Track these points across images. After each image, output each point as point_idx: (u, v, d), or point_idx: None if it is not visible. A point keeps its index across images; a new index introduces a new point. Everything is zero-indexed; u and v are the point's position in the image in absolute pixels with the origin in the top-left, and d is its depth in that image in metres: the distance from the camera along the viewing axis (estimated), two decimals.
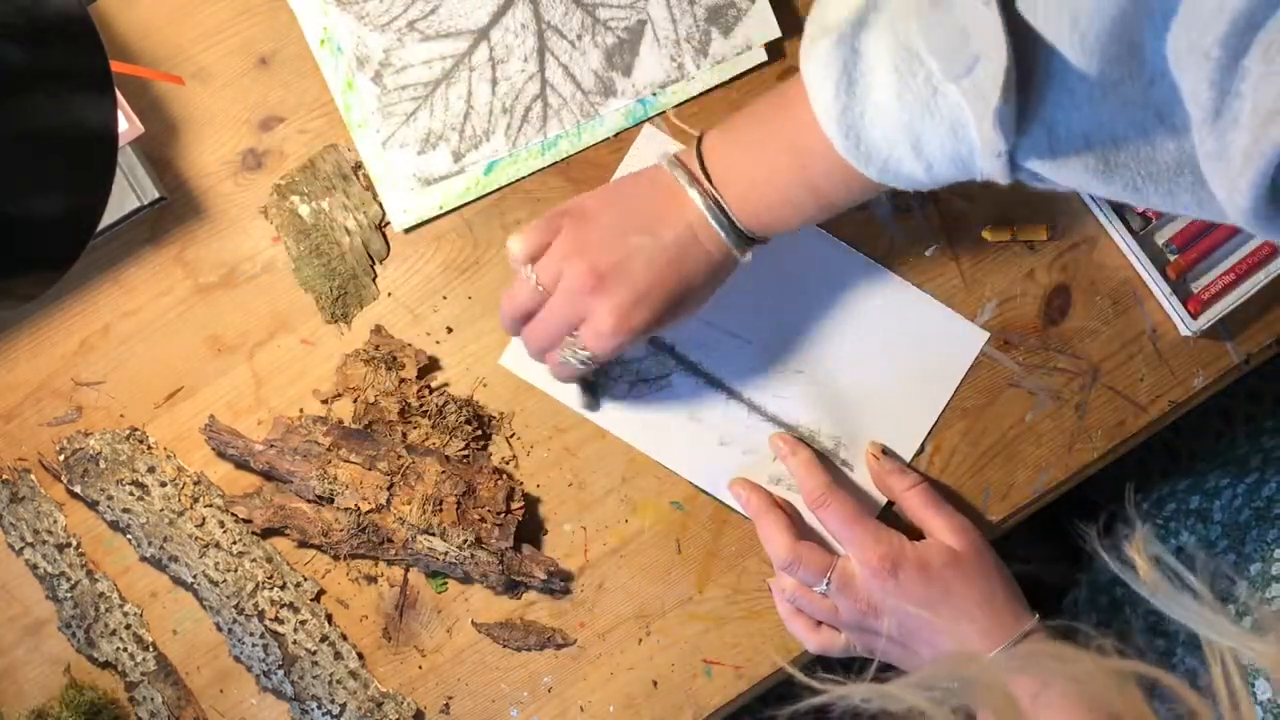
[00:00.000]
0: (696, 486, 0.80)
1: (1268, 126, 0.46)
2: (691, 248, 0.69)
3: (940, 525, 0.75)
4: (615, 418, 0.80)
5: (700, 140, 0.70)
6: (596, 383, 0.79)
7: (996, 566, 0.75)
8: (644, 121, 0.81)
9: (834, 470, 0.79)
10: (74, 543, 0.79)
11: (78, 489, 0.78)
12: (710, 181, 0.69)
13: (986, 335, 0.80)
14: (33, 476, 0.79)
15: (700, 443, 0.80)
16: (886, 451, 0.79)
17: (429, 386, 0.80)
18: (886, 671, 0.56)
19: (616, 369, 0.80)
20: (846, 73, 0.61)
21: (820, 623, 0.77)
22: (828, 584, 0.74)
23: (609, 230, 0.70)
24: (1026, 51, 0.55)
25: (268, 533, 0.79)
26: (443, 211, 0.80)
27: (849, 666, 0.59)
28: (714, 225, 0.69)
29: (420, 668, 0.79)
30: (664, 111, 0.80)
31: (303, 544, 0.79)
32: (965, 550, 0.74)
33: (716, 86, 0.81)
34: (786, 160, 0.67)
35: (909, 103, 0.60)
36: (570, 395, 0.80)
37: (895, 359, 0.80)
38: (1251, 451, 0.91)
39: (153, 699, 0.78)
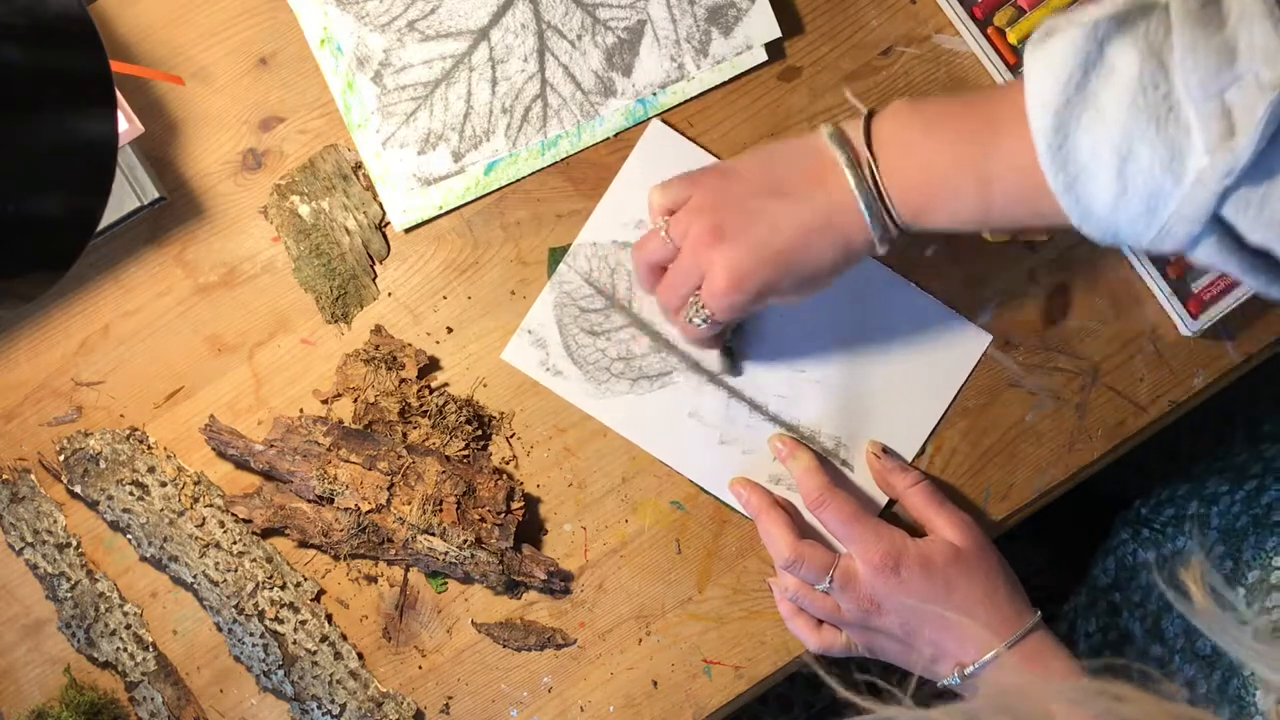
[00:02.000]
0: (697, 485, 0.80)
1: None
2: (828, 226, 0.67)
3: (943, 523, 0.75)
4: (617, 415, 0.80)
5: (871, 116, 0.67)
6: (732, 347, 0.79)
7: (999, 563, 0.75)
8: (645, 121, 0.81)
9: (834, 470, 0.79)
10: (74, 543, 0.79)
11: (78, 489, 0.78)
12: (875, 163, 0.66)
13: (989, 338, 0.80)
14: (33, 476, 0.79)
15: (701, 441, 0.80)
16: (887, 450, 0.79)
17: (429, 386, 0.80)
18: (924, 685, 0.56)
19: (619, 365, 0.79)
20: (1083, 68, 0.58)
21: (821, 622, 0.77)
22: (830, 582, 0.74)
23: (745, 190, 0.68)
24: None
25: (268, 533, 0.79)
26: (443, 211, 0.80)
27: (865, 667, 0.59)
28: (863, 210, 0.66)
29: (420, 668, 0.79)
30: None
31: (303, 544, 0.79)
32: (968, 547, 0.74)
33: (716, 86, 0.81)
34: (970, 149, 0.64)
35: (1138, 116, 0.57)
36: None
37: (898, 360, 0.80)
38: (1251, 460, 0.91)
39: (153, 699, 0.78)
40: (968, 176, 0.64)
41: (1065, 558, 1.11)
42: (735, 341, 0.79)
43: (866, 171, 0.66)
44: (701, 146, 0.80)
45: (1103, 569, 0.96)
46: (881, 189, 0.66)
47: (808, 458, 0.78)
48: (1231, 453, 0.97)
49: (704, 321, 0.71)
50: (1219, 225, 0.57)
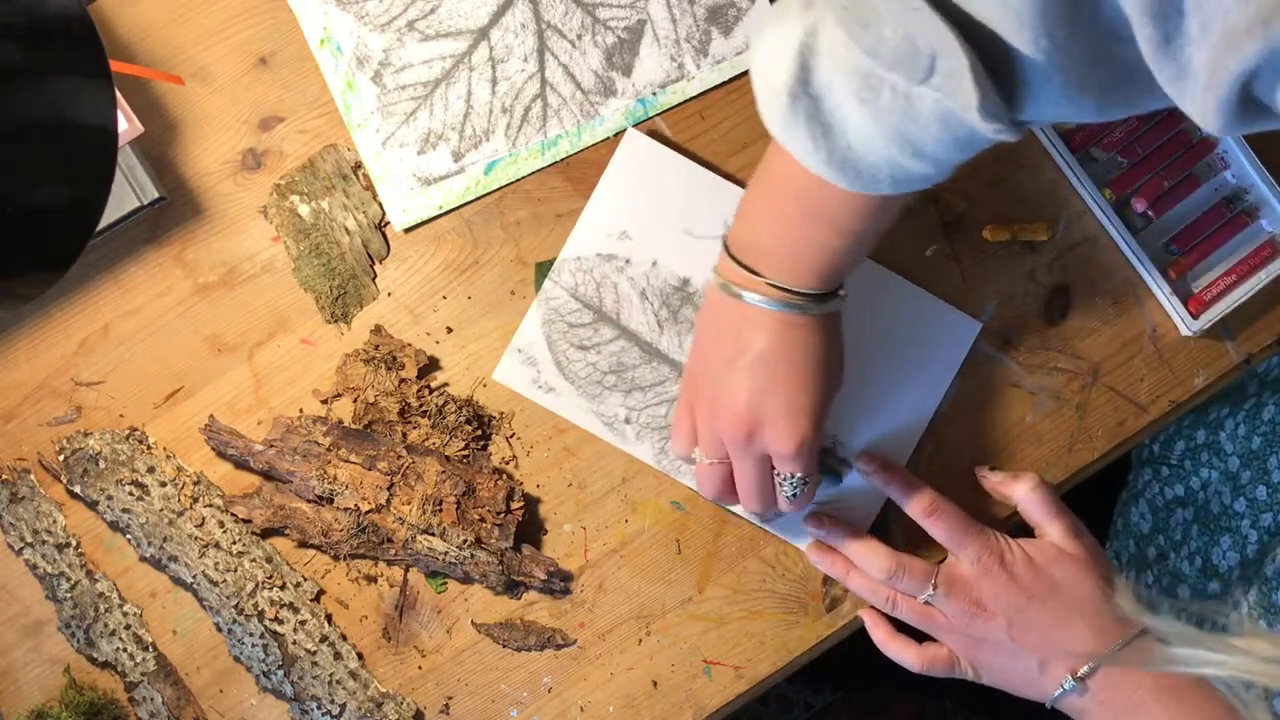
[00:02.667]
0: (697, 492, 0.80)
1: (1225, 52, 0.45)
2: (791, 338, 0.69)
3: (1057, 529, 0.75)
4: (611, 427, 0.80)
5: (725, 246, 0.70)
6: (827, 462, 0.79)
7: (1108, 568, 0.74)
8: (645, 120, 0.81)
9: (834, 472, 0.79)
10: (74, 543, 0.79)
11: (77, 489, 0.78)
12: (756, 273, 0.68)
13: (979, 325, 0.80)
14: (32, 476, 0.79)
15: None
16: (993, 468, 0.79)
17: (429, 386, 0.80)
18: None
19: (610, 378, 0.79)
20: (815, 121, 0.60)
21: (921, 640, 0.76)
22: (934, 589, 0.74)
23: (722, 376, 0.70)
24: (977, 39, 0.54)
25: (268, 533, 0.79)
26: (442, 211, 0.80)
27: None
28: (790, 310, 0.68)
29: (420, 668, 0.79)
30: (652, 116, 0.80)
31: (303, 544, 0.79)
32: (1076, 551, 0.74)
33: (716, 86, 0.81)
34: (809, 221, 0.66)
35: (888, 120, 0.59)
36: (612, 435, 0.80)
37: (890, 354, 0.80)
38: (1246, 376, 0.91)
39: (153, 699, 0.78)
40: (833, 237, 0.66)
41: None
42: (828, 459, 0.79)
43: (762, 284, 0.68)
44: (681, 151, 0.80)
45: (1140, 515, 0.97)
46: (784, 287, 0.68)
47: (903, 471, 0.78)
48: None
49: (801, 487, 0.72)
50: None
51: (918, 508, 0.76)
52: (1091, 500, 0.93)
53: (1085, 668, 0.71)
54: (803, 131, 0.61)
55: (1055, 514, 0.76)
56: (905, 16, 0.54)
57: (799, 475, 0.71)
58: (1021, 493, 0.77)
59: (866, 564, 0.76)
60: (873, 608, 0.78)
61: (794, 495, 0.72)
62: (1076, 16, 0.51)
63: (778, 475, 0.72)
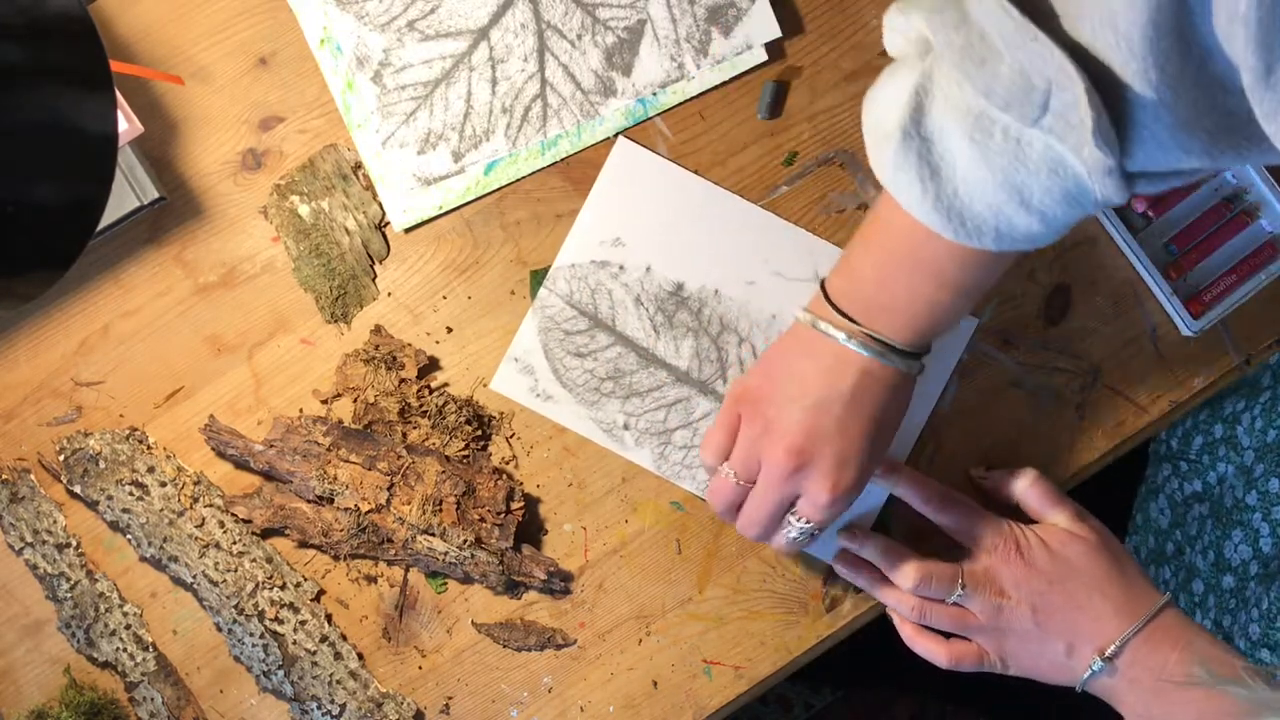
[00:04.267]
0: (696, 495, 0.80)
1: None
2: (870, 388, 0.69)
3: (1063, 516, 0.76)
4: (610, 434, 0.80)
5: (824, 287, 0.70)
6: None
7: (1120, 549, 0.75)
8: (645, 120, 0.81)
9: None
10: (74, 543, 0.79)
11: (77, 489, 0.78)
12: (852, 320, 0.68)
13: (975, 321, 0.80)
14: (33, 476, 0.79)
15: (695, 450, 0.80)
16: (989, 468, 0.79)
17: (429, 386, 0.80)
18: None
19: (608, 384, 0.79)
20: (925, 162, 0.61)
21: (949, 636, 0.76)
22: (962, 589, 0.74)
23: (786, 405, 0.69)
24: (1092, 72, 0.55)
25: (268, 533, 0.79)
26: (442, 211, 0.80)
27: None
28: (879, 360, 0.68)
29: (420, 668, 0.79)
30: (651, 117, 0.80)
31: (303, 544, 0.79)
32: (1086, 534, 0.75)
33: (716, 86, 0.81)
34: (911, 270, 0.66)
35: (998, 164, 0.59)
36: (597, 434, 0.80)
37: None
38: (1259, 370, 0.91)
39: (153, 699, 0.78)
40: (934, 289, 0.66)
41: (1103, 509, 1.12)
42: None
43: (857, 329, 0.68)
44: (671, 160, 0.80)
45: (1159, 510, 0.97)
46: (878, 337, 0.68)
47: (909, 469, 0.78)
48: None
49: (812, 534, 0.72)
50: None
51: (930, 503, 0.76)
52: (1111, 495, 0.93)
53: (1113, 646, 0.71)
54: (912, 174, 0.61)
55: (1057, 502, 0.76)
56: (1023, 48, 0.55)
57: (813, 524, 0.71)
58: (1021, 488, 0.77)
59: (896, 576, 0.76)
60: None
61: (795, 539, 0.72)
62: (1186, 53, 0.53)
63: (792, 515, 0.71)
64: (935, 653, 0.76)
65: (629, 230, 0.79)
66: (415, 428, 0.79)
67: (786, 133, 0.81)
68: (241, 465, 0.79)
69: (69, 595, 0.78)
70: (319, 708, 0.78)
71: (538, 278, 0.80)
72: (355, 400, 0.79)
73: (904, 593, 0.75)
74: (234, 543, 0.78)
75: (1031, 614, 0.73)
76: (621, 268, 0.80)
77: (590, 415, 0.79)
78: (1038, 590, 0.73)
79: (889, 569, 0.76)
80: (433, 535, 0.76)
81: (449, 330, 0.80)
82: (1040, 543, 0.74)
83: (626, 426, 0.80)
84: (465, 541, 0.76)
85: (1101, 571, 0.73)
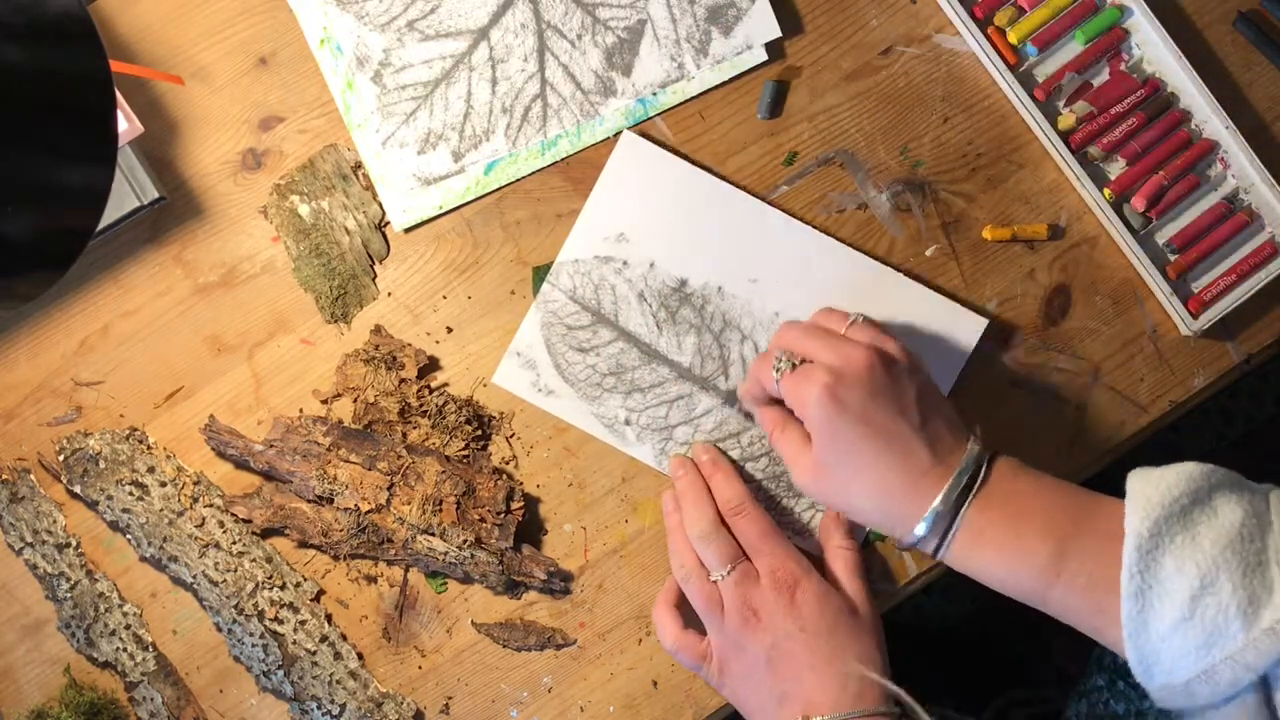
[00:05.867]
0: None
1: None
2: (897, 496, 0.69)
3: (854, 588, 0.75)
4: (612, 429, 0.80)
5: (992, 455, 0.70)
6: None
7: (882, 645, 0.74)
8: (645, 120, 0.81)
9: None
10: (74, 543, 0.79)
11: (77, 489, 0.78)
12: (979, 489, 0.68)
13: (985, 322, 0.80)
14: (32, 476, 0.79)
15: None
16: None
17: (429, 386, 0.80)
18: None
19: (610, 380, 0.79)
20: (1191, 497, 0.62)
21: (686, 625, 0.76)
22: (728, 572, 0.73)
23: (879, 397, 0.70)
24: None
25: (268, 533, 0.79)
26: (442, 211, 0.80)
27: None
28: (929, 513, 0.68)
29: (420, 668, 0.79)
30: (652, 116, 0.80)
31: (303, 544, 0.79)
32: (865, 615, 0.74)
33: (716, 86, 0.81)
34: (1064, 521, 0.66)
35: (1230, 557, 0.60)
36: (569, 412, 0.80)
37: None
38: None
39: (152, 699, 0.78)
40: (1048, 544, 0.66)
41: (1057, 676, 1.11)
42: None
43: (959, 492, 0.68)
44: (678, 153, 0.80)
45: (1075, 712, 0.95)
46: (959, 514, 0.68)
47: (729, 467, 0.78)
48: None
49: (788, 367, 0.71)
50: (1263, 690, 0.60)
51: (726, 505, 0.76)
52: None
53: (817, 719, 0.70)
54: (1174, 493, 0.62)
55: (856, 576, 0.76)
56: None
57: (788, 360, 0.71)
58: (834, 542, 0.77)
59: (687, 519, 0.76)
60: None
61: (784, 367, 0.72)
62: None
63: (783, 362, 0.72)
64: (665, 630, 0.76)
65: (633, 225, 0.80)
66: (415, 428, 0.79)
67: (786, 133, 0.81)
68: (241, 465, 0.79)
69: (69, 595, 0.78)
70: (319, 708, 0.78)
71: (540, 273, 0.80)
72: (355, 400, 0.79)
73: (686, 549, 0.75)
74: (234, 543, 0.78)
75: (770, 647, 0.72)
76: (625, 263, 0.80)
77: (592, 411, 0.80)
78: (787, 631, 0.72)
79: (686, 504, 0.76)
80: (433, 535, 0.76)
81: (449, 330, 0.81)
82: (819, 594, 0.73)
83: (628, 422, 0.80)
84: (465, 541, 0.76)
85: (855, 651, 0.72)
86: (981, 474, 0.69)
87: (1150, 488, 0.63)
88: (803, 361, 0.71)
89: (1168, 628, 0.61)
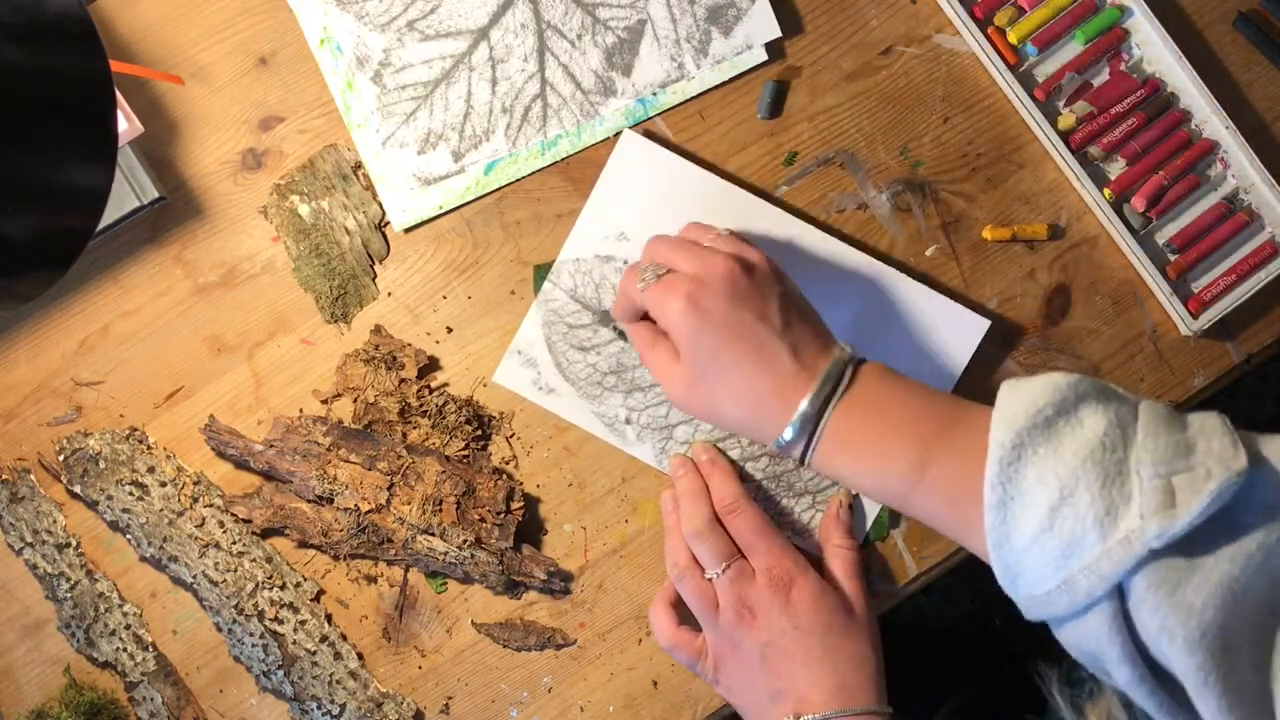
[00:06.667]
0: None
1: None
2: (765, 399, 0.69)
3: (850, 588, 0.75)
4: (612, 428, 0.80)
5: (859, 361, 0.70)
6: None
7: (878, 647, 0.74)
8: (645, 120, 0.81)
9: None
10: (74, 543, 0.79)
11: (77, 489, 0.78)
12: (840, 395, 0.68)
13: (987, 323, 0.80)
14: (32, 476, 0.79)
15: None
16: (854, 508, 0.79)
17: (429, 386, 0.80)
18: None
19: (611, 379, 0.79)
20: (1055, 407, 0.61)
21: (682, 623, 0.76)
22: (724, 569, 0.74)
23: (734, 309, 0.70)
24: None
25: (268, 533, 0.79)
26: (442, 211, 0.80)
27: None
28: (794, 418, 0.68)
29: (420, 668, 0.79)
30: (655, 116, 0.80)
31: (303, 544, 0.79)
32: (861, 616, 0.74)
33: (716, 86, 0.81)
34: (927, 427, 0.66)
35: (1090, 468, 0.59)
36: (598, 428, 0.80)
37: (897, 352, 0.80)
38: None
39: (152, 699, 0.78)
40: (912, 451, 0.66)
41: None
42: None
43: (824, 396, 0.68)
44: (679, 152, 0.80)
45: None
46: (823, 417, 0.68)
47: (726, 465, 0.78)
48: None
49: (653, 278, 0.71)
50: (1118, 599, 0.59)
51: (720, 502, 0.76)
52: None
53: (809, 716, 0.70)
54: (1039, 403, 0.61)
55: (854, 576, 0.76)
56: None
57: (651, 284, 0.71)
58: (833, 542, 0.77)
59: (683, 516, 0.76)
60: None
61: (649, 277, 0.71)
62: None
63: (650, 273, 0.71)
64: (661, 628, 0.76)
65: (634, 224, 0.79)
66: (415, 428, 0.79)
67: (786, 133, 0.81)
68: (241, 465, 0.79)
69: (69, 595, 0.78)
70: (319, 708, 0.78)
71: (541, 272, 0.80)
72: (355, 400, 0.79)
73: (682, 548, 0.75)
74: (234, 543, 0.78)
75: (762, 646, 0.72)
76: (626, 262, 0.80)
77: (592, 409, 0.80)
78: (781, 628, 0.72)
79: (683, 500, 0.76)
80: (433, 535, 0.76)
81: (449, 330, 0.81)
82: (814, 594, 0.73)
83: (628, 421, 0.80)
84: (465, 541, 0.76)
85: (849, 651, 0.72)
86: (846, 378, 0.68)
87: (1016, 399, 0.62)
88: (668, 273, 0.71)
89: (1028, 539, 0.60)
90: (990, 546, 0.61)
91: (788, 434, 0.68)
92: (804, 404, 0.67)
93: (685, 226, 0.75)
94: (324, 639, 0.78)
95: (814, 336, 0.70)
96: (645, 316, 0.74)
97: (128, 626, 0.78)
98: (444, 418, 0.79)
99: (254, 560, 0.78)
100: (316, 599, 0.79)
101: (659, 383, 0.73)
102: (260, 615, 0.78)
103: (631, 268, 0.73)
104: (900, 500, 0.67)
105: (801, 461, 0.69)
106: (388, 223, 0.80)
